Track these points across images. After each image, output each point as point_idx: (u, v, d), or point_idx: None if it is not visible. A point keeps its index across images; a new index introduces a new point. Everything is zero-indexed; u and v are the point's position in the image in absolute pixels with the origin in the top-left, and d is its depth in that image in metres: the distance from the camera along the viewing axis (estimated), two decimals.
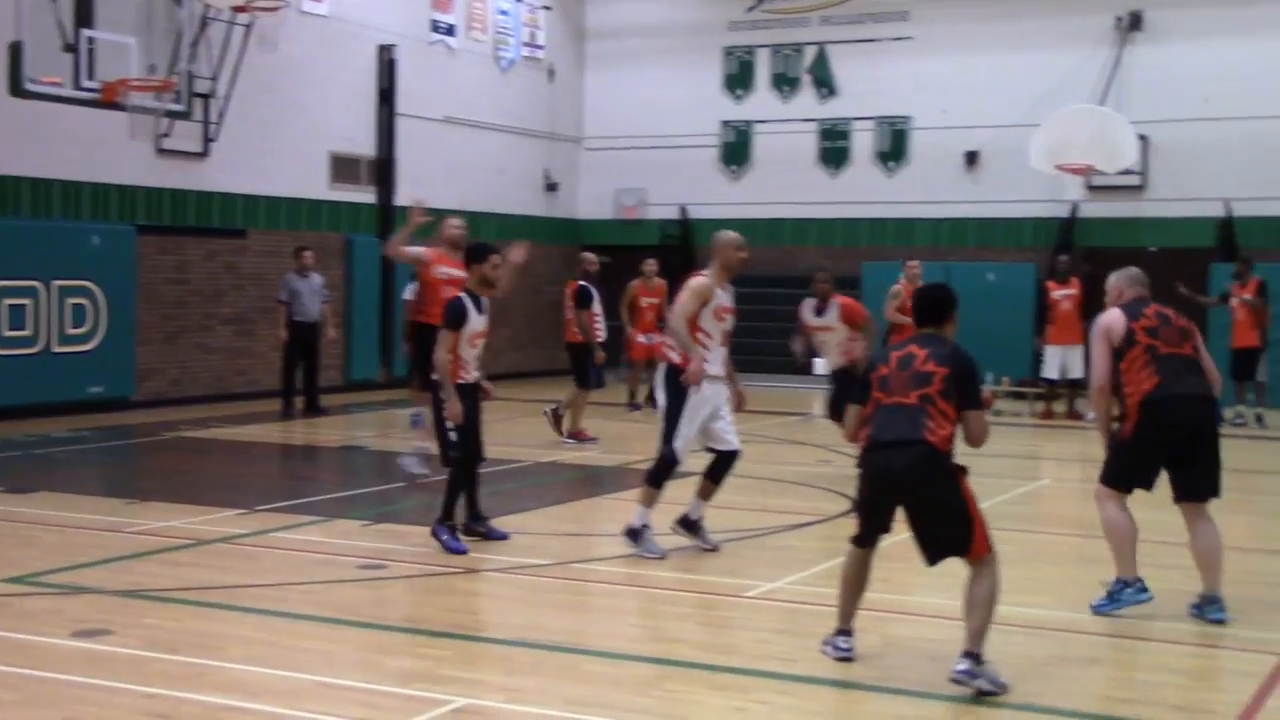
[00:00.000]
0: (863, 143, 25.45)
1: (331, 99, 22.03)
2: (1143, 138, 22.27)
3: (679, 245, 26.36)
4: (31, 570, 8.94)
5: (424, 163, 23.69)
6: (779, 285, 25.49)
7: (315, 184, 21.93)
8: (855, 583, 7.10)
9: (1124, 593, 8.05)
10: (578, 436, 16.18)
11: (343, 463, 15.31)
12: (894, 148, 25.23)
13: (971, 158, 24.44)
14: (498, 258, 9.93)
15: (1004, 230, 24.34)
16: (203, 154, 19.83)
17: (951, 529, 6.68)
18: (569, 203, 27.51)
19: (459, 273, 11.79)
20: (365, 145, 22.81)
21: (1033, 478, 14.26)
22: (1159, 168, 23.14)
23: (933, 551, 6.80)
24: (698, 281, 9.71)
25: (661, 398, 9.72)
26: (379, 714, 6.06)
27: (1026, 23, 24.05)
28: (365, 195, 22.85)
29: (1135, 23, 23.39)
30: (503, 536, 9.96)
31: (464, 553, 9.49)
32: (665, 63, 26.82)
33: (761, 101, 26.24)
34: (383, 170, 23.01)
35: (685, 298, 9.62)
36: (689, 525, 9.88)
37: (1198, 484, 8.01)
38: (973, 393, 6.80)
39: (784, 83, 26.12)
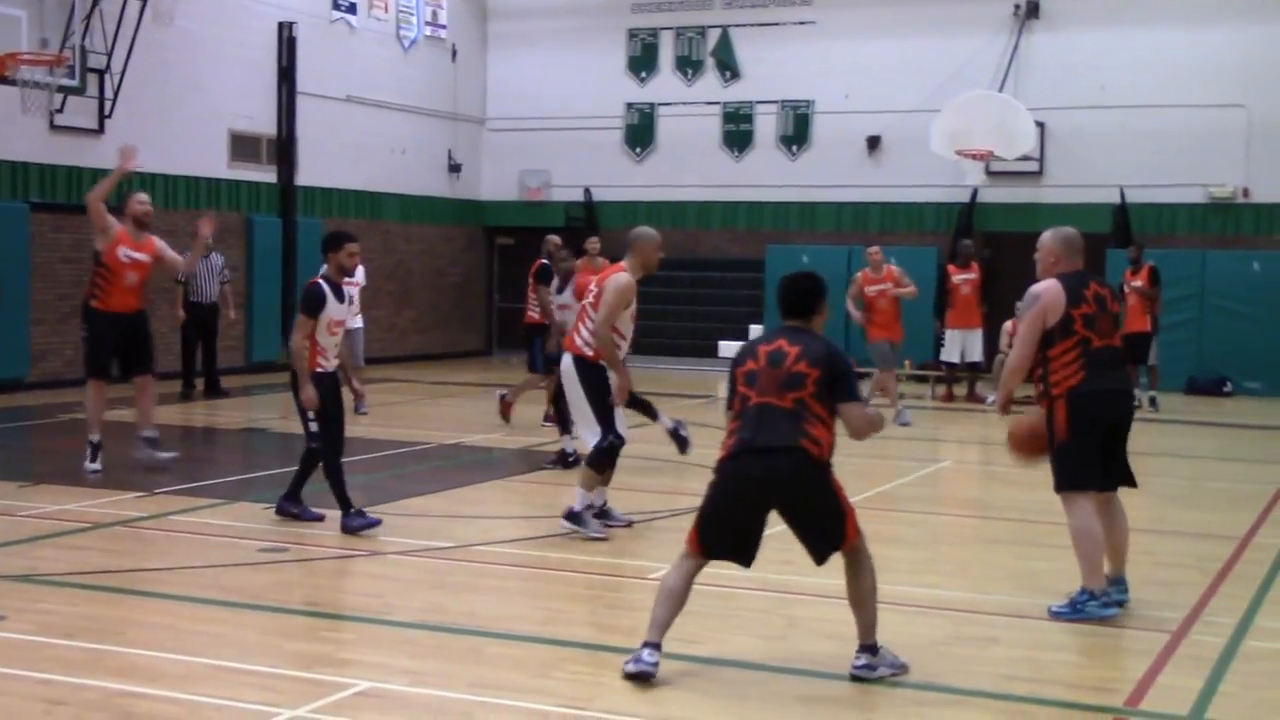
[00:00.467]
0: (766, 126, 25.57)
1: (231, 76, 21.72)
2: (1040, 124, 22.59)
3: (584, 227, 26.33)
4: None
5: (325, 142, 23.45)
6: (683, 268, 25.58)
7: (214, 162, 21.62)
8: (675, 594, 6.58)
9: (1089, 604, 7.68)
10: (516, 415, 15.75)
11: (243, 445, 15.13)
12: (797, 131, 25.37)
13: (874, 142, 24.64)
14: (355, 246, 9.85)
15: (906, 215, 24.59)
16: (98, 131, 19.46)
17: (830, 526, 6.48)
18: (473, 184, 27.36)
19: (141, 256, 11.83)
20: (265, 124, 22.52)
21: (933, 460, 14.43)
22: (1056, 154, 23.49)
23: (820, 551, 6.58)
24: (623, 281, 9.61)
25: (578, 391, 9.69)
26: (281, 698, 6.00)
27: (928, 9, 24.28)
28: (266, 174, 22.56)
29: (1033, 10, 23.70)
30: (315, 518, 9.95)
31: (320, 519, 9.83)
32: (569, 44, 26.75)
33: (665, 84, 26.26)
34: (283, 149, 22.74)
35: (612, 300, 9.51)
36: (602, 514, 9.92)
37: (1117, 474, 7.86)
38: (848, 388, 6.47)
39: (688, 65, 26.15)
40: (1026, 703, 6.30)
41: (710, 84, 25.97)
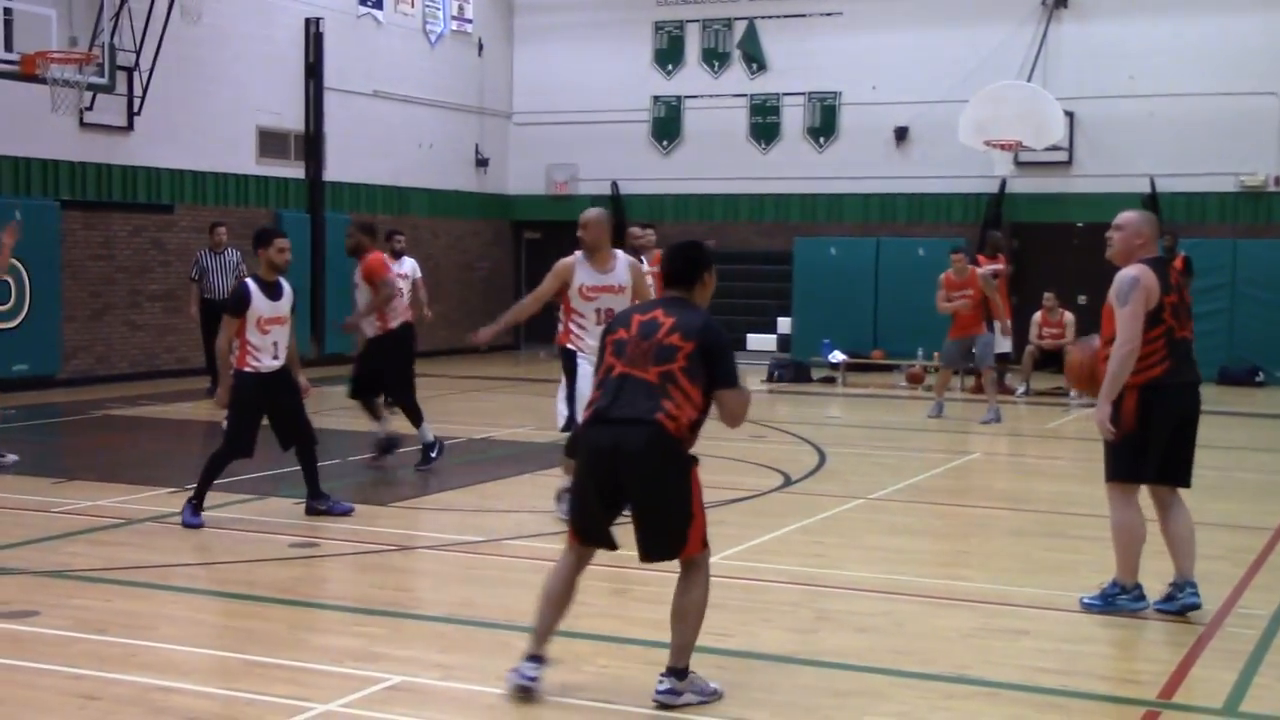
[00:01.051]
0: (793, 118, 25.51)
1: (258, 73, 21.80)
2: (1069, 114, 22.49)
3: (612, 221, 26.30)
4: None
5: (352, 137, 23.52)
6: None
7: (243, 159, 21.71)
8: (558, 597, 6.15)
9: (1119, 598, 7.60)
10: None
11: (274, 440, 15.16)
12: (824, 123, 25.31)
13: (901, 133, 24.57)
14: (284, 241, 9.75)
15: (933, 206, 24.51)
16: (127, 128, 19.57)
17: (671, 524, 5.96)
18: (499, 178, 27.40)
19: None
20: (293, 120, 22.59)
21: (962, 451, 14.39)
22: (1085, 144, 23.39)
23: (650, 547, 6.05)
24: (560, 261, 10.15)
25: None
26: (312, 692, 6.03)
27: None
28: (294, 170, 22.64)
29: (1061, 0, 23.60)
30: (346, 511, 9.96)
31: (348, 511, 9.89)
32: (595, 37, 26.74)
33: (692, 77, 26.24)
34: (311, 145, 22.80)
35: (546, 278, 10.17)
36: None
37: (1180, 470, 7.59)
38: (725, 371, 6.01)
39: (714, 58, 26.12)
40: (1057, 695, 6.28)
41: (737, 76, 25.93)
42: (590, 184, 26.68)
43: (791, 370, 21.50)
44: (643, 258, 15.76)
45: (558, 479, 10.34)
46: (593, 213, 10.30)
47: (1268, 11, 22.57)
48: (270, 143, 22.19)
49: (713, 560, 8.66)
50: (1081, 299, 22.41)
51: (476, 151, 26.75)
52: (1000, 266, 19.79)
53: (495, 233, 27.27)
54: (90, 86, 17.40)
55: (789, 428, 15.74)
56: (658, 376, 5.94)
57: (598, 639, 7.05)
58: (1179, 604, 7.55)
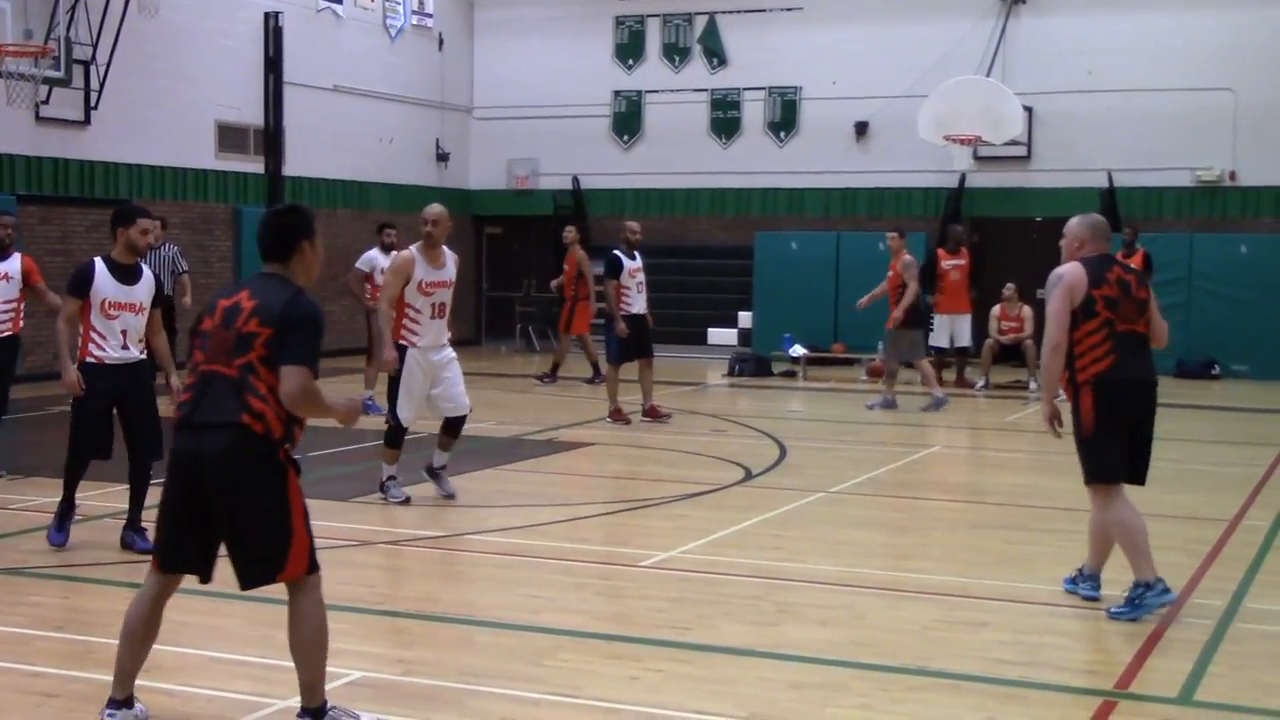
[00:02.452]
0: (753, 113, 25.56)
1: (217, 67, 21.67)
2: (1028, 109, 22.63)
3: (572, 216, 26.31)
4: None
5: (312, 132, 23.42)
6: (672, 255, 25.60)
7: (201, 153, 21.58)
8: (140, 633, 5.50)
9: (1145, 596, 7.40)
10: (652, 415, 15.37)
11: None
12: (784, 118, 25.36)
13: (861, 128, 24.65)
14: (148, 222, 8.71)
15: (894, 200, 24.60)
16: (84, 122, 19.43)
17: (264, 540, 5.30)
18: (461, 173, 27.33)
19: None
20: (252, 114, 22.47)
21: (922, 445, 14.45)
22: (1044, 138, 23.53)
23: (246, 570, 5.37)
24: (398, 257, 10.43)
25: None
26: (273, 688, 6.01)
27: None
28: (253, 165, 22.53)
29: None
30: (148, 551, 7.82)
31: (61, 545, 8.75)
32: (556, 32, 26.70)
33: (652, 71, 26.25)
34: (271, 140, 22.69)
35: (387, 278, 10.43)
36: (432, 473, 10.67)
37: (1137, 468, 7.59)
38: (293, 346, 5.26)
39: (675, 53, 26.13)
40: (1018, 686, 6.32)
41: (698, 71, 25.95)
42: (551, 179, 26.65)
43: (752, 364, 21.54)
44: (636, 254, 15.82)
45: (523, 478, 10.35)
46: (440, 208, 10.74)
47: (1225, 8, 22.75)
48: (230, 137, 22.07)
49: (674, 554, 8.76)
50: (1040, 293, 22.49)
51: (437, 146, 26.68)
52: (962, 261, 19.90)
53: (457, 228, 26.92)
54: (46, 80, 17.29)
55: (750, 422, 15.77)
56: (238, 370, 5.28)
57: (559, 633, 7.04)
58: (1082, 593, 7.77)
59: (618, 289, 15.34)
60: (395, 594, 7.92)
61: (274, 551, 5.31)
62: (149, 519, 8.49)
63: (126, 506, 8.83)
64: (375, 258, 16.52)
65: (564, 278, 20.00)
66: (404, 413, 10.40)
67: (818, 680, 6.39)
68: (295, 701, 5.88)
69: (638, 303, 15.58)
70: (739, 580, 8.26)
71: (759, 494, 11.19)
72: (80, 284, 8.58)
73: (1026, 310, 19.72)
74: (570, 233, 20.27)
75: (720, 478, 11.77)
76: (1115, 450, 7.44)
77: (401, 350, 10.28)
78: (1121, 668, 6.57)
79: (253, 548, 5.33)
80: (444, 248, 10.47)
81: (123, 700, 5.52)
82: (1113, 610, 7.46)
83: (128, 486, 8.82)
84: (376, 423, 14.76)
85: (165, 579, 5.52)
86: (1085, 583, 7.85)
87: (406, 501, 10.41)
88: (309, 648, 5.39)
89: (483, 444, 13.99)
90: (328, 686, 6.05)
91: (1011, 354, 19.77)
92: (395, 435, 10.51)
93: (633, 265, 15.64)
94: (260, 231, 5.54)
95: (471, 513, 10.31)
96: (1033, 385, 19.20)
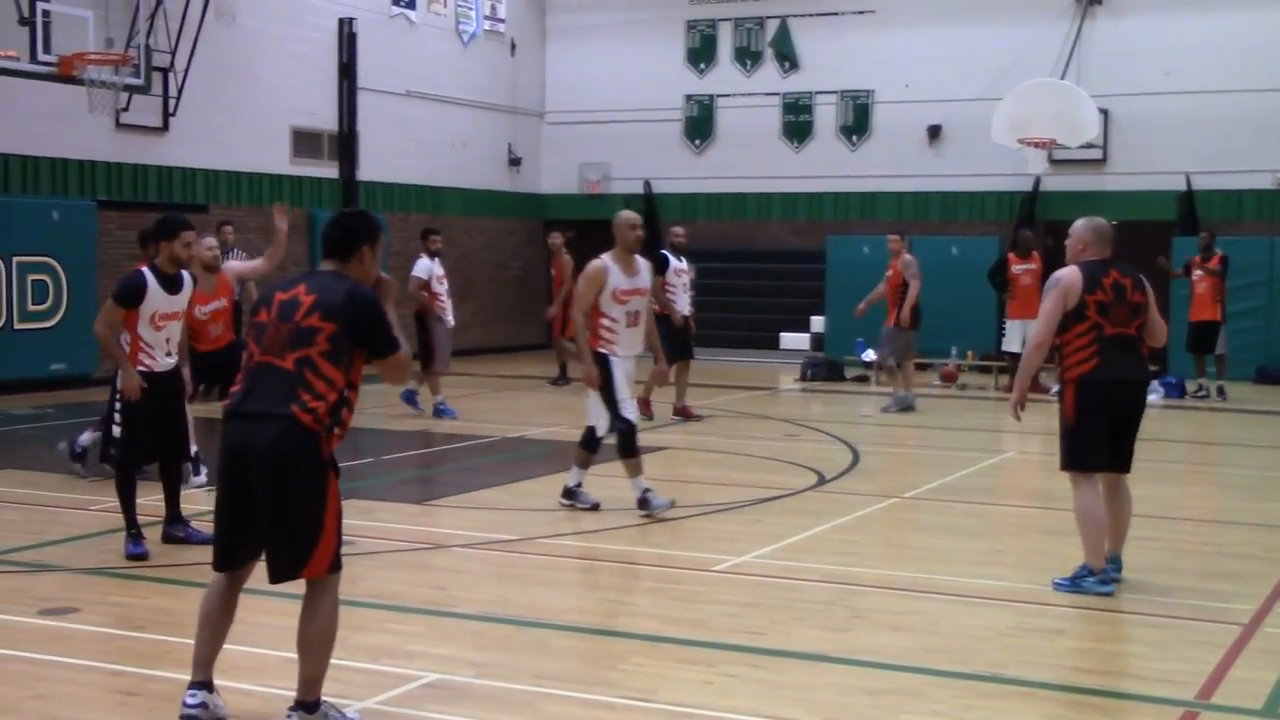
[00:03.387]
0: (826, 116, 25.47)
1: (292, 73, 21.90)
2: (1104, 111, 22.37)
3: (644, 220, 26.31)
4: None
5: (386, 137, 23.61)
6: (744, 260, 25.62)
7: (277, 159, 21.82)
8: (215, 621, 5.65)
9: (1086, 580, 7.98)
10: (683, 414, 15.80)
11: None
12: (857, 121, 25.26)
13: (934, 132, 24.49)
14: (190, 234, 8.84)
15: (967, 204, 24.42)
16: (162, 128, 19.69)
17: (295, 534, 5.38)
18: (532, 177, 27.44)
19: (218, 304, 11.03)
20: (327, 120, 22.69)
21: (996, 450, 14.33)
22: (1120, 141, 23.27)
23: (277, 564, 5.45)
24: (589, 268, 10.03)
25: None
26: (348, 689, 6.06)
27: None
28: (328, 170, 22.74)
29: None
30: (205, 540, 8.15)
31: (143, 557, 8.58)
32: (627, 36, 26.75)
33: (724, 75, 26.22)
34: (345, 145, 22.90)
35: (580, 288, 10.03)
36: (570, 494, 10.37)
37: (1121, 457, 8.13)
38: (381, 342, 5.51)
39: (746, 56, 26.10)
40: (1095, 695, 6.25)
41: (769, 75, 25.90)
42: (622, 183, 26.70)
43: (825, 369, 21.46)
44: (681, 257, 15.93)
45: (594, 481, 10.37)
46: (638, 216, 10.43)
47: None
48: (304, 142, 22.29)
49: (747, 559, 8.75)
50: None
51: (509, 151, 26.80)
52: (1033, 265, 19.72)
53: (528, 232, 27.31)
54: (126, 87, 17.52)
55: (823, 426, 15.72)
56: (294, 364, 5.38)
57: (632, 638, 7.05)
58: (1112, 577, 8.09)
59: (662, 286, 15.48)
60: (468, 596, 7.97)
61: (302, 546, 5.39)
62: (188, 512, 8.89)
63: (364, 484, 9.08)
64: (430, 265, 16.55)
65: (554, 282, 19.98)
66: (630, 413, 10.03)
67: (891, 686, 6.36)
68: (371, 703, 5.94)
69: (681, 302, 15.86)
70: (812, 585, 8.24)
71: (832, 499, 11.15)
72: (132, 296, 8.67)
73: None
74: (556, 237, 20.12)
75: (793, 483, 11.74)
76: (1092, 443, 7.96)
77: (602, 359, 9.96)
78: (1203, 677, 6.48)
79: (284, 540, 5.42)
80: (636, 255, 10.18)
81: (202, 683, 5.64)
82: (1057, 580, 8.08)
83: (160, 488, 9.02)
84: (450, 426, 14.87)
85: (231, 576, 5.65)
86: (1093, 579, 8.03)
87: (596, 507, 10.24)
88: (318, 644, 5.48)
89: (555, 448, 14.03)
90: (400, 690, 6.13)
91: None
92: (631, 440, 10.04)
93: (679, 266, 15.98)
94: (327, 229, 5.71)
95: (545, 516, 10.34)
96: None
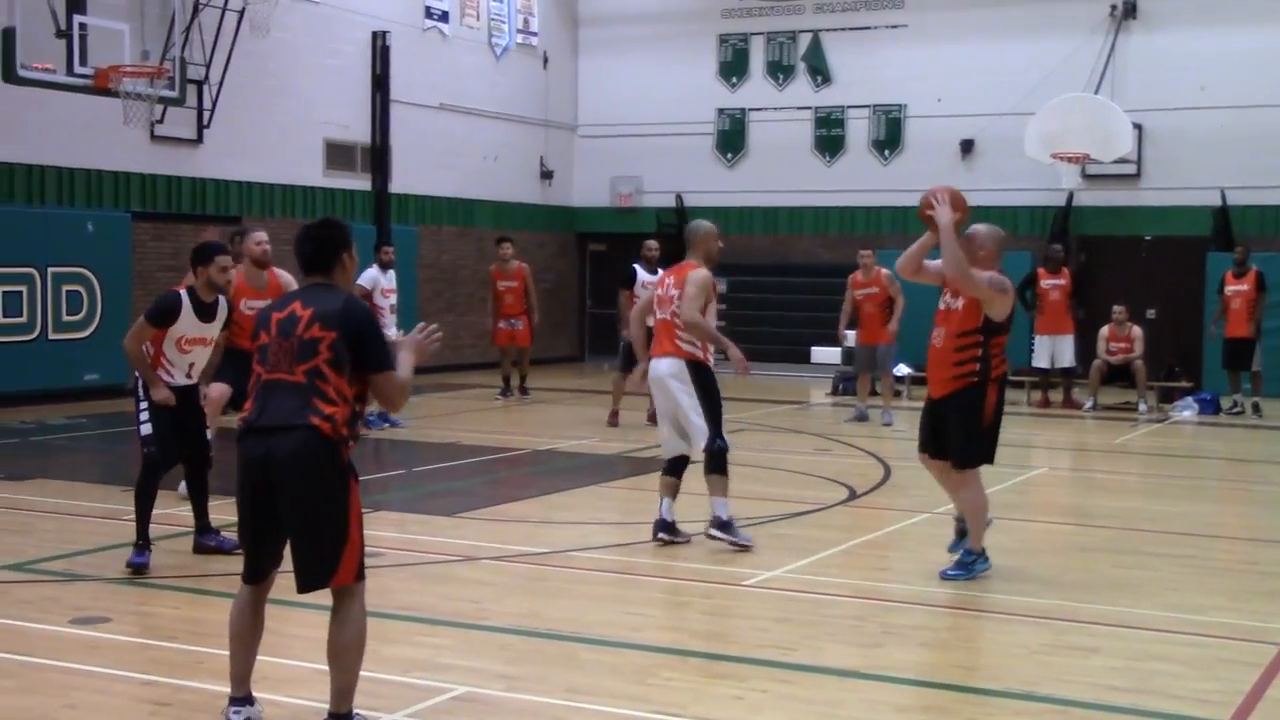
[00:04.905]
0: (858, 131, 25.44)
1: (325, 86, 22.00)
2: (1138, 126, 22.26)
3: (676, 233, 26.33)
4: (29, 557, 8.95)
5: (418, 150, 23.68)
6: (775, 274, 25.60)
7: (310, 171, 21.91)
8: (246, 634, 5.68)
9: (977, 563, 8.62)
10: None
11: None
12: (889, 136, 25.21)
13: (967, 146, 24.43)
14: (226, 259, 8.87)
15: (999, 219, 24.03)
16: (197, 140, 19.81)
17: (323, 542, 5.43)
18: (564, 190, 27.49)
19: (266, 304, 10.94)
20: (359, 132, 22.78)
21: (1027, 466, 14.26)
22: (1154, 156, 23.14)
23: (305, 573, 5.49)
24: (702, 275, 9.55)
25: (687, 396, 9.50)
26: (379, 702, 6.05)
27: (1021, 10, 24.04)
28: (360, 182, 22.83)
29: (1130, 10, 23.37)
30: (236, 548, 7.91)
31: (144, 568, 8.53)
32: (660, 50, 26.78)
33: (756, 89, 26.21)
34: (377, 157, 22.98)
35: (692, 292, 9.41)
36: (669, 529, 9.66)
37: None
38: (372, 354, 5.50)
39: (779, 70, 26.09)
40: (1129, 713, 6.20)
41: (802, 89, 25.88)
42: (655, 196, 26.71)
43: (856, 383, 21.36)
44: (657, 269, 16.20)
45: (624, 495, 10.35)
46: (706, 224, 10.01)
47: None
48: (337, 155, 22.38)
49: (777, 573, 8.72)
50: (1150, 313, 22.17)
51: (541, 164, 26.85)
52: (1062, 281, 19.65)
53: (560, 245, 27.35)
54: (161, 100, 17.62)
55: (853, 441, 15.67)
56: (304, 375, 5.44)
57: (663, 652, 7.03)
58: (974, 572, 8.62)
59: (629, 298, 15.70)
60: (499, 609, 7.96)
61: (329, 555, 5.43)
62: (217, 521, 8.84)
63: (404, 495, 9.06)
64: (376, 275, 16.45)
65: (500, 294, 19.68)
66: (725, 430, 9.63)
67: (923, 703, 6.32)
68: (401, 715, 5.94)
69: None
70: (843, 601, 8.20)
71: (863, 514, 11.10)
72: (165, 317, 8.66)
73: (1136, 331, 19.39)
74: (508, 248, 19.86)
75: (824, 497, 11.70)
76: (995, 439, 8.61)
77: (706, 371, 9.59)
78: (1239, 697, 6.41)
79: (311, 549, 5.46)
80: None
81: (242, 698, 5.69)
82: (946, 571, 8.56)
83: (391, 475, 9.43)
84: (481, 439, 14.88)
85: (256, 589, 5.70)
86: (981, 561, 8.62)
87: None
88: (349, 654, 5.50)
89: (585, 460, 14.03)
90: (431, 702, 6.13)
91: (1120, 375, 19.45)
92: (723, 458, 9.57)
93: (647, 279, 16.08)
94: (301, 245, 5.69)
95: (576, 529, 10.33)
96: (1142, 407, 18.91)
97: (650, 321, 9.89)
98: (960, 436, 8.46)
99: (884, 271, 17.38)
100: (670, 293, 9.56)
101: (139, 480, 8.78)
